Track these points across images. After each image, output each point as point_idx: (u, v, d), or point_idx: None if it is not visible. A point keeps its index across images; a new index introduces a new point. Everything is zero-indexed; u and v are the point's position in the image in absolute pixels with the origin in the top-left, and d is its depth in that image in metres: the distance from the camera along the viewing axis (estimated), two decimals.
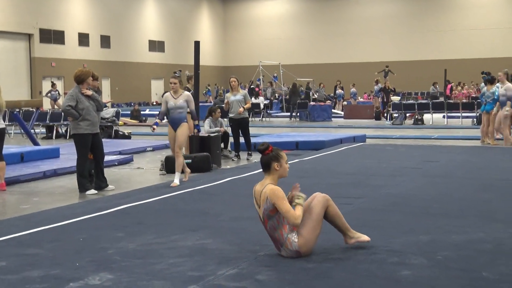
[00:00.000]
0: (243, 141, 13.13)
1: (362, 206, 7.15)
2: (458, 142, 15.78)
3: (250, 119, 22.44)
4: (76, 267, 4.81)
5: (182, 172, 9.48)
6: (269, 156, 5.03)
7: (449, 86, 31.57)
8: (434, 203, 7.25)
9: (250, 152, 13.10)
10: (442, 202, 7.31)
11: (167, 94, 9.61)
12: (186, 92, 9.63)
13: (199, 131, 9.44)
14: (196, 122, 9.77)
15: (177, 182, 9.06)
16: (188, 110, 9.70)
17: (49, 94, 28.47)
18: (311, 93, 31.13)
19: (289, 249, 4.95)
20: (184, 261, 4.95)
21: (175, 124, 9.51)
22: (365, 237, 5.26)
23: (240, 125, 12.92)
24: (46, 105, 28.99)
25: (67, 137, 18.13)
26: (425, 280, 4.37)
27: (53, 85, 29.50)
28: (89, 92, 8.93)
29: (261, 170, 5.07)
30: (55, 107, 26.85)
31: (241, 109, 12.68)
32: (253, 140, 13.70)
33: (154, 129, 9.77)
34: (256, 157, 12.87)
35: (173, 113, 9.51)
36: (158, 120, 9.83)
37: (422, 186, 8.44)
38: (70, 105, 8.81)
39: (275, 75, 35.43)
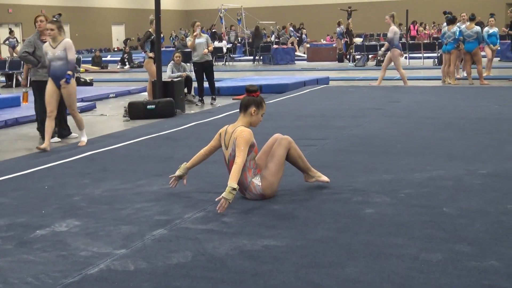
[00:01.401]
0: (207, 85, 13.06)
1: (326, 147, 7.22)
2: (419, 83, 15.93)
3: (213, 63, 22.24)
4: (42, 215, 4.80)
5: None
6: (253, 99, 5.05)
7: (416, 26, 31.43)
8: (395, 142, 7.35)
9: (214, 97, 13.05)
10: (403, 141, 7.42)
11: (46, 43, 8.32)
12: (66, 39, 8.22)
13: (67, 81, 8.00)
14: (70, 73, 8.20)
15: (85, 140, 8.19)
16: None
17: (7, 42, 27.71)
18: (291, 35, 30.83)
19: (253, 192, 4.99)
20: (151, 205, 4.96)
21: (56, 78, 8.15)
22: (324, 178, 5.34)
23: (205, 69, 12.82)
24: (5, 53, 28.30)
25: (28, 85, 17.77)
26: (388, 217, 4.45)
27: (10, 32, 28.68)
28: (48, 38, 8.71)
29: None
30: (14, 54, 26.19)
31: (206, 50, 12.58)
32: (216, 84, 13.64)
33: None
34: (220, 101, 12.86)
35: (53, 66, 8.14)
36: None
37: (384, 127, 8.54)
38: (26, 51, 8.61)
39: (239, 18, 34.90)
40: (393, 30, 14.51)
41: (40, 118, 8.84)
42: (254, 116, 5.04)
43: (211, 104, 12.71)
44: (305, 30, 33.85)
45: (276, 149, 5.08)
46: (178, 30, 44.67)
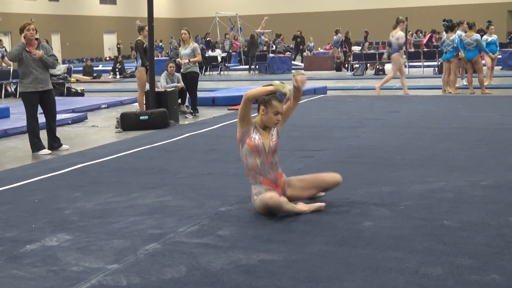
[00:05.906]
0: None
1: (324, 158, 7.13)
2: (419, 92, 15.85)
3: (207, 73, 21.81)
4: (32, 229, 4.70)
5: None
6: (261, 98, 5.07)
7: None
8: (395, 153, 7.26)
9: (193, 111, 12.45)
10: (403, 152, 7.32)
11: None
12: None
13: None
14: None
15: None
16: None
17: None
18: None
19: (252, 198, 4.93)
20: (144, 219, 4.86)
21: None
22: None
23: (187, 81, 12.41)
24: None
25: (17, 96, 17.65)
26: (388, 230, 4.36)
27: None
28: (39, 54, 8.39)
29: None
30: (3, 64, 26.00)
31: (186, 60, 12.21)
32: (211, 94, 13.47)
33: None
34: (216, 112, 12.72)
35: None
36: None
37: (383, 137, 8.45)
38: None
39: (240, 27, 34.65)
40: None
41: (29, 129, 8.65)
42: (264, 115, 5.05)
43: (188, 116, 12.20)
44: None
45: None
46: (168, 39, 44.24)
